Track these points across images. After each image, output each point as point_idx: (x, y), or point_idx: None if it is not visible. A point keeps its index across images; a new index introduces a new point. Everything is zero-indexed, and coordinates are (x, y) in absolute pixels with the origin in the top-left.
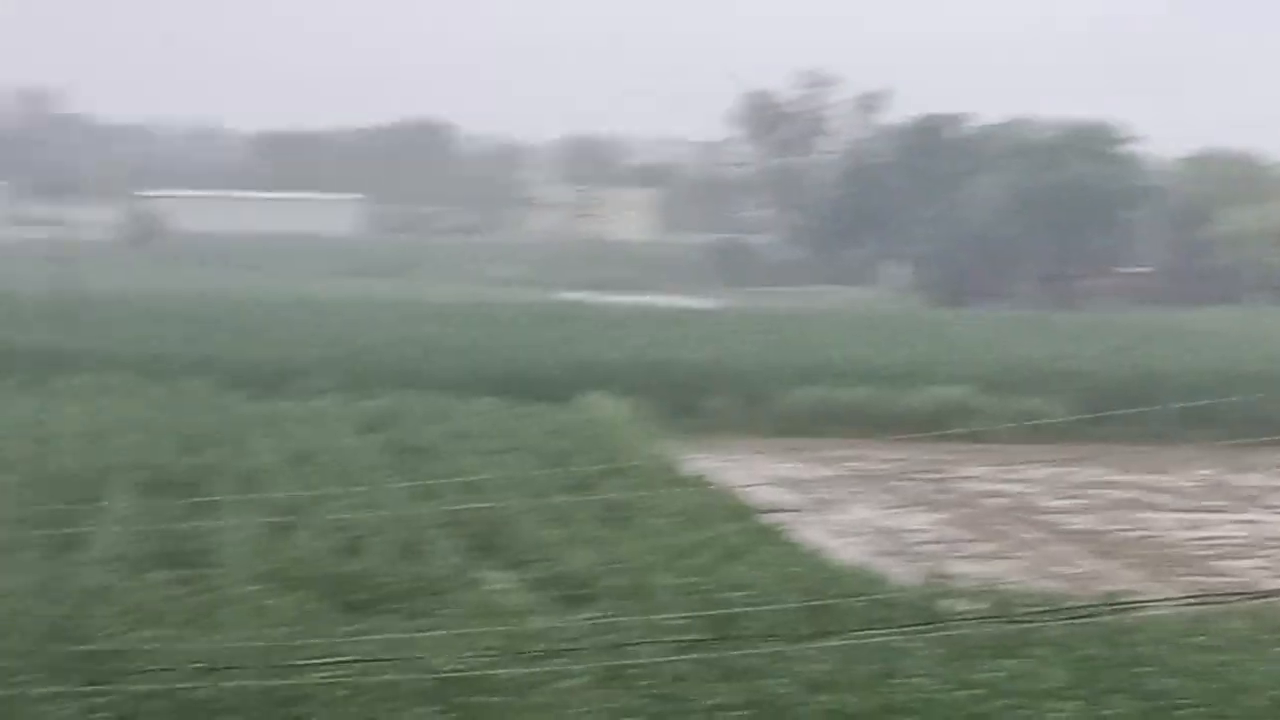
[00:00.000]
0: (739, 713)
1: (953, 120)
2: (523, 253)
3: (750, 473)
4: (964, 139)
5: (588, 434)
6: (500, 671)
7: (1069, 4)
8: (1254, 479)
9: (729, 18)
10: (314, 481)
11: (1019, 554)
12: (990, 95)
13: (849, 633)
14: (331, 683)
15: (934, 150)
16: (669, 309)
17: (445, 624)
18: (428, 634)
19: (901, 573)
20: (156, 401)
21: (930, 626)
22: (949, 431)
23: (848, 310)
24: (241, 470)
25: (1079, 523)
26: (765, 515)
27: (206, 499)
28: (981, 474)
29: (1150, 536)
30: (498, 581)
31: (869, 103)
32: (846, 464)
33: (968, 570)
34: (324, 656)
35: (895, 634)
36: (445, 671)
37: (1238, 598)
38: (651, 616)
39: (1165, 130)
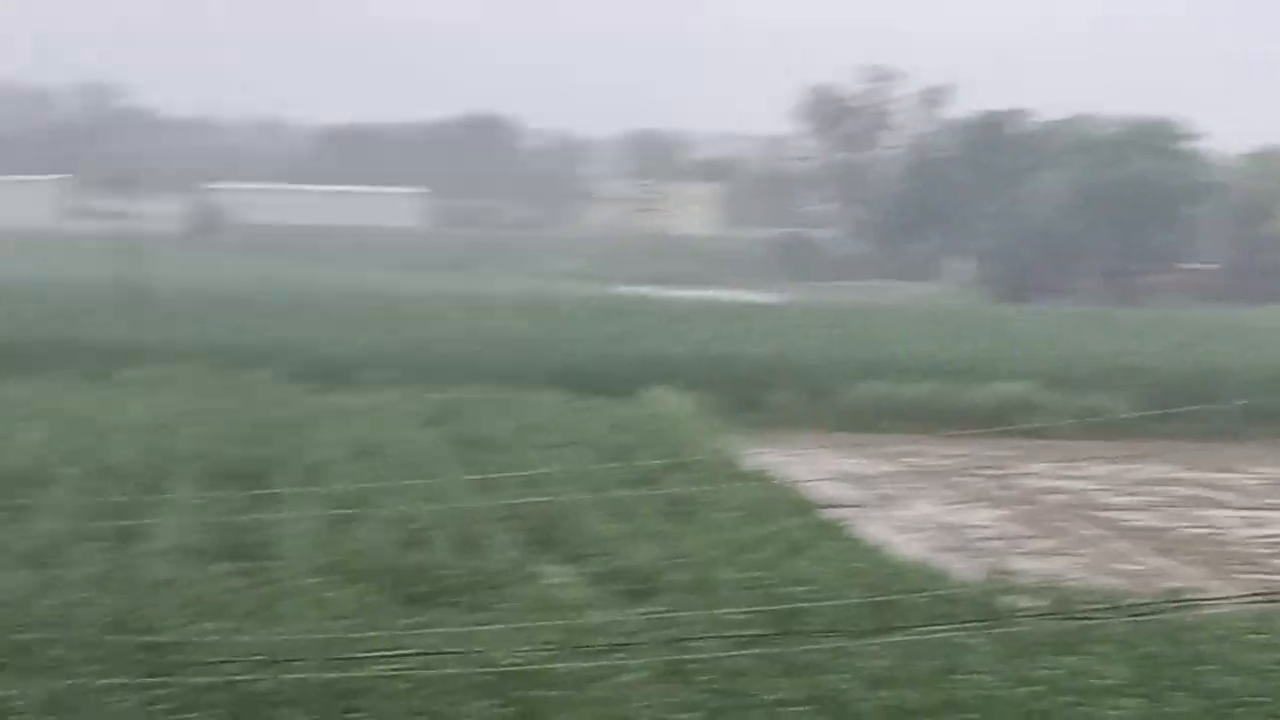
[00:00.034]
0: (800, 708)
1: (1016, 116)
2: (585, 247)
3: (813, 468)
4: (1027, 134)
5: (650, 428)
6: (559, 666)
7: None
8: None
9: (794, 12)
10: (376, 474)
11: (1080, 550)
12: (1053, 91)
13: (910, 628)
14: (391, 676)
15: (997, 145)
16: (732, 304)
17: (505, 618)
18: (487, 628)
19: (963, 569)
20: (220, 393)
21: (991, 623)
22: (1011, 427)
23: (911, 305)
24: (304, 462)
25: (1141, 519)
26: (827, 510)
27: (269, 491)
28: (1043, 470)
29: (1212, 534)
30: (557, 575)
31: (933, 98)
32: (909, 459)
33: (1029, 566)
34: (384, 649)
35: (956, 630)
36: (504, 665)
37: None
38: (712, 611)
39: (1228, 127)
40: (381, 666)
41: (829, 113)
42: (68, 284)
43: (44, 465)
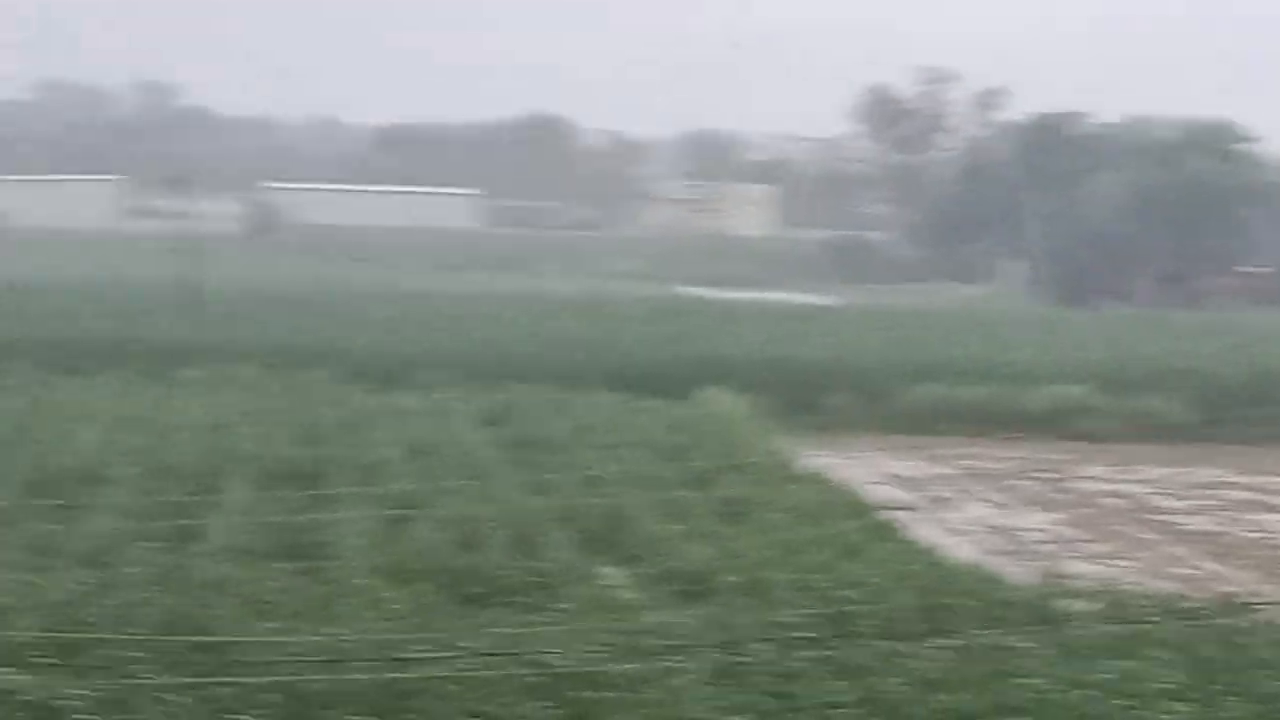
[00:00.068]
0: (852, 711)
1: (1072, 118)
2: (641, 248)
3: (868, 470)
4: (1083, 137)
5: (706, 430)
6: (613, 667)
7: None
8: None
9: (852, 13)
10: (432, 474)
11: (1135, 554)
12: (1110, 92)
13: (964, 632)
14: (446, 676)
15: (1053, 148)
16: (788, 305)
17: (560, 619)
18: (543, 629)
19: (1017, 572)
20: (276, 393)
21: (1045, 626)
22: (1066, 430)
23: (966, 308)
24: (360, 462)
25: (1196, 523)
26: (882, 513)
27: (326, 491)
28: (1098, 473)
29: (1268, 538)
30: (613, 576)
31: (989, 99)
32: (964, 462)
33: (1083, 570)
34: (439, 650)
35: (1010, 634)
36: (559, 666)
37: None
38: (766, 613)
39: None
40: (436, 667)
41: (885, 114)
42: (126, 284)
43: (102, 464)
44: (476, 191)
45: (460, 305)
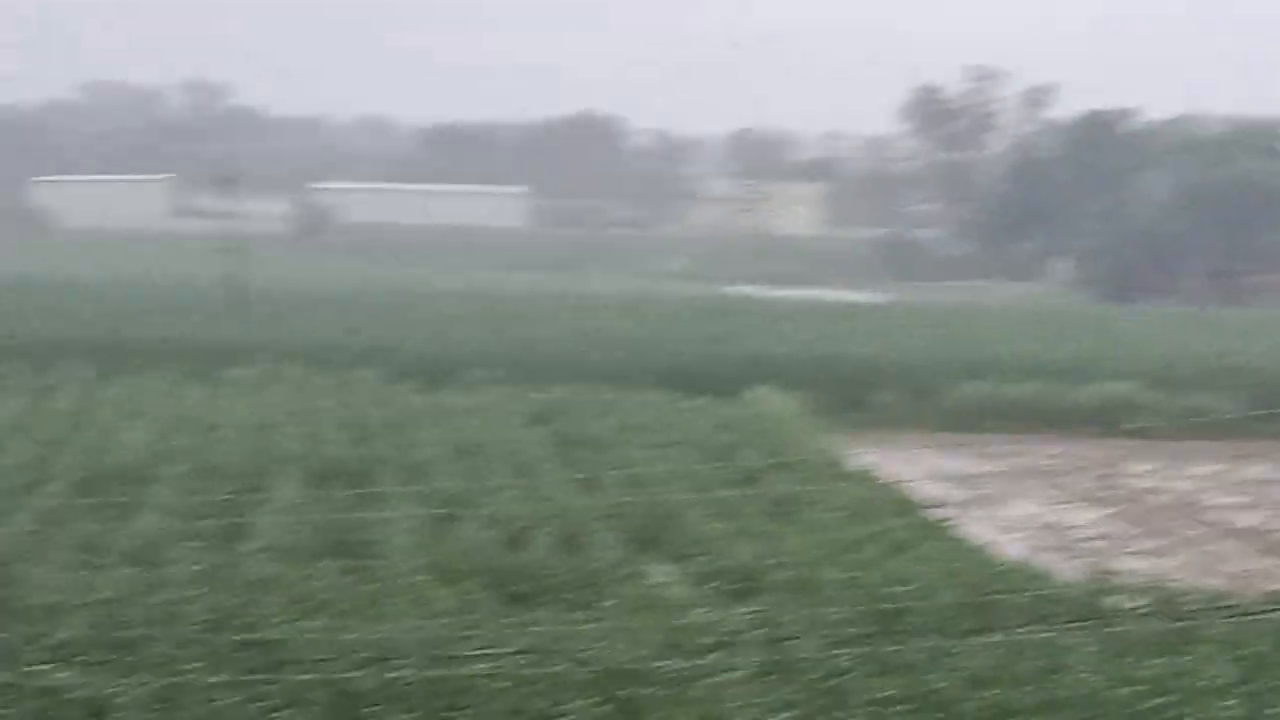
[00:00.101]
0: (900, 708)
1: (1120, 115)
2: (689, 247)
3: (916, 468)
4: (1132, 134)
5: (754, 428)
6: (660, 664)
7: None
8: None
9: (898, 12)
10: (479, 473)
11: (1184, 551)
12: (1158, 90)
13: (1012, 628)
14: (492, 674)
15: (1101, 145)
16: (836, 303)
17: (607, 617)
18: (589, 626)
19: (1065, 569)
20: (324, 392)
21: (1094, 623)
22: (1115, 427)
23: (1014, 305)
24: (408, 461)
25: (1245, 520)
26: (930, 510)
27: (372, 490)
28: (1147, 470)
29: None
30: (660, 575)
31: (1037, 97)
32: (1012, 459)
33: (1132, 567)
34: (486, 648)
35: (1059, 630)
36: (606, 664)
37: None
38: (814, 611)
39: None
40: (483, 665)
41: (933, 113)
42: (173, 284)
43: (149, 463)
44: (524, 191)
45: (507, 304)
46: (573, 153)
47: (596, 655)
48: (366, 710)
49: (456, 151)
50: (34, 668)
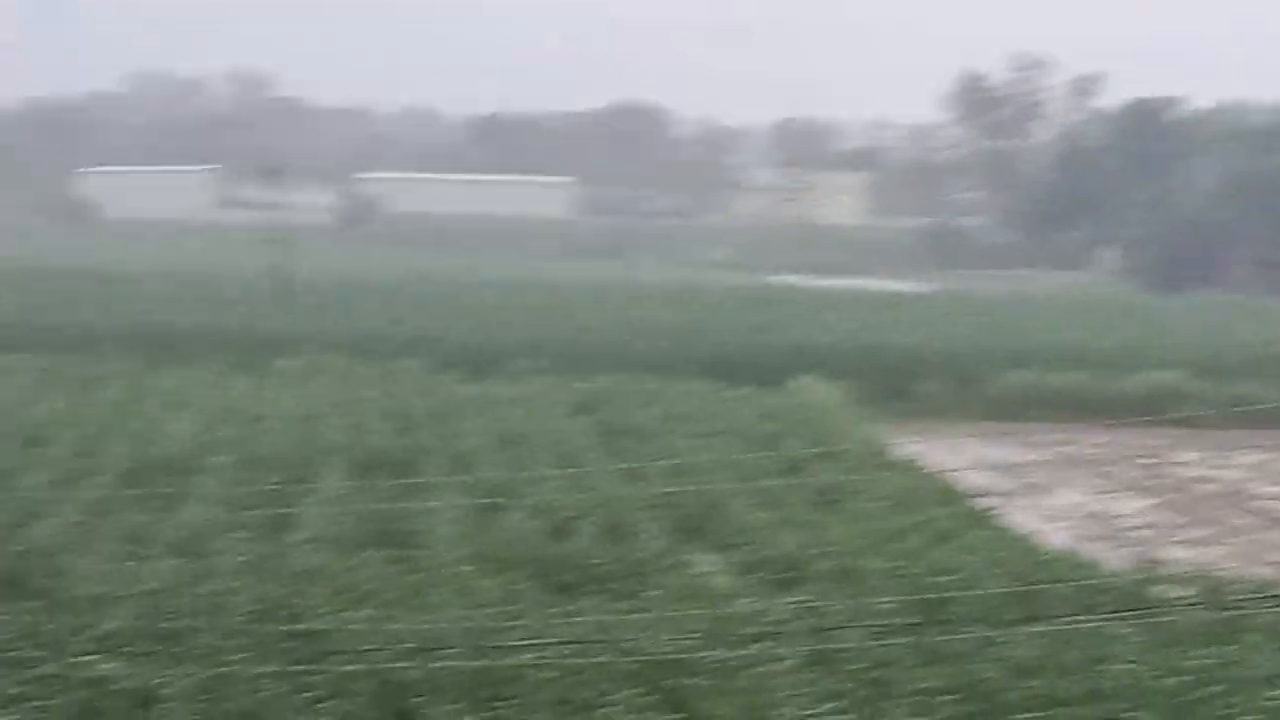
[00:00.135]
0: (945, 697)
1: (1167, 104)
2: (733, 236)
3: (961, 457)
4: (1178, 123)
5: (798, 417)
6: (706, 654)
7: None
8: None
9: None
10: (524, 463)
11: (1230, 540)
12: (1204, 78)
13: (1058, 618)
14: (538, 664)
15: (1148, 134)
16: (880, 293)
17: (652, 606)
18: (635, 616)
19: (1111, 558)
20: (369, 383)
21: (1140, 612)
22: (1161, 416)
23: (1060, 294)
24: (452, 451)
25: None
26: (975, 499)
27: (417, 480)
28: (1193, 459)
29: None
30: (705, 564)
31: (1083, 86)
32: (1057, 448)
33: (1178, 556)
34: (532, 638)
35: (1105, 620)
36: (651, 654)
37: None
38: (859, 600)
39: None
40: (529, 655)
41: (978, 101)
42: (219, 274)
43: (195, 454)
44: (569, 180)
45: (552, 294)
46: (618, 142)
47: (641, 645)
48: (412, 700)
49: (502, 141)
50: (81, 658)
